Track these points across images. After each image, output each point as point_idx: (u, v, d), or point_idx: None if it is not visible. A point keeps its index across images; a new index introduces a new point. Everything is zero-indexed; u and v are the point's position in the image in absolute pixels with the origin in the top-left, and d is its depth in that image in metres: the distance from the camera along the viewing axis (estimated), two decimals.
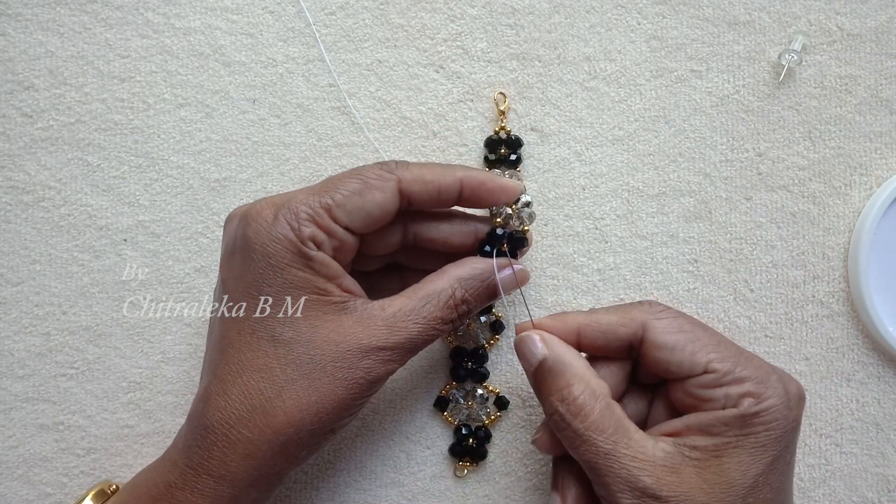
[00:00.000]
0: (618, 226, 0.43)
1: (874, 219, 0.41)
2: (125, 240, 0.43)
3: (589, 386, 0.35)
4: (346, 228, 0.35)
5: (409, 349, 0.35)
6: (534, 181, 0.43)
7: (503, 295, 0.38)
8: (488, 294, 0.37)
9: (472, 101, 0.43)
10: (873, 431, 0.43)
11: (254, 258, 0.34)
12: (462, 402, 0.42)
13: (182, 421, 0.42)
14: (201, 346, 0.43)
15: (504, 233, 0.38)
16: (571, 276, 0.43)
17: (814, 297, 0.43)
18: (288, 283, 0.34)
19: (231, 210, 0.38)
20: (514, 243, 0.39)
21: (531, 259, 0.43)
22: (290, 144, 0.43)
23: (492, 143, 0.42)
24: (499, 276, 0.37)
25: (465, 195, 0.37)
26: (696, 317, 0.43)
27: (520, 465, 0.43)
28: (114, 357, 0.43)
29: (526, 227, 0.39)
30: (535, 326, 0.37)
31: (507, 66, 0.43)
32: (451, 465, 0.43)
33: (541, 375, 0.36)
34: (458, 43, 0.43)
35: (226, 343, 0.35)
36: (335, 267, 0.35)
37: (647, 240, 0.43)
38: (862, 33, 0.43)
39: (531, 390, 0.42)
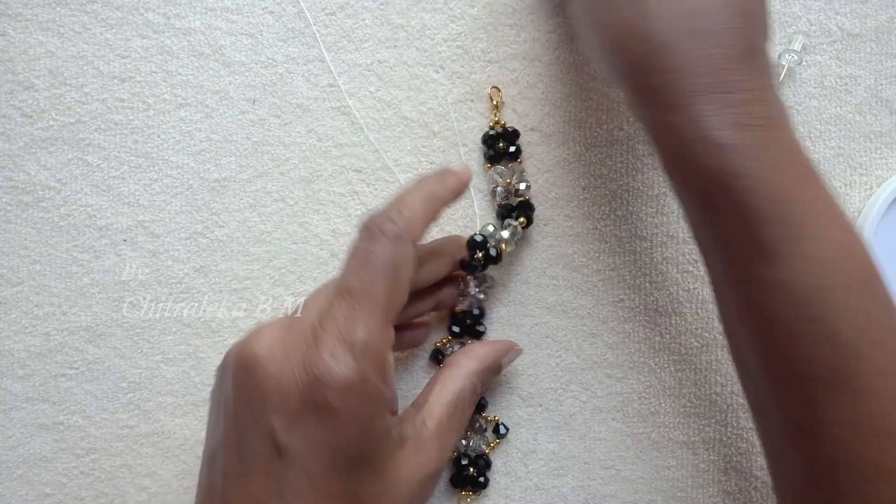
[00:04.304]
0: (618, 226, 0.43)
1: (874, 219, 0.41)
2: (125, 240, 0.43)
3: None
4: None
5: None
6: (534, 181, 0.43)
7: (465, 302, 0.41)
8: (495, 374, 0.40)
9: (472, 101, 0.43)
10: None
11: (341, 424, 0.30)
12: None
13: (181, 421, 0.42)
14: (201, 346, 0.43)
15: (483, 240, 0.40)
16: (572, 277, 0.43)
17: None
18: (373, 439, 0.31)
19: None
20: (489, 260, 0.40)
21: (532, 259, 0.43)
22: (290, 144, 0.43)
23: (489, 139, 0.42)
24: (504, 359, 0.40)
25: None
26: (695, 317, 0.43)
27: (520, 465, 0.43)
28: (113, 357, 0.43)
29: (504, 248, 0.41)
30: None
31: (507, 66, 0.43)
32: (451, 470, 0.42)
33: None
34: (458, 43, 0.43)
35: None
36: (392, 392, 0.32)
37: (646, 240, 0.43)
38: (862, 33, 0.43)
39: (532, 392, 0.42)
